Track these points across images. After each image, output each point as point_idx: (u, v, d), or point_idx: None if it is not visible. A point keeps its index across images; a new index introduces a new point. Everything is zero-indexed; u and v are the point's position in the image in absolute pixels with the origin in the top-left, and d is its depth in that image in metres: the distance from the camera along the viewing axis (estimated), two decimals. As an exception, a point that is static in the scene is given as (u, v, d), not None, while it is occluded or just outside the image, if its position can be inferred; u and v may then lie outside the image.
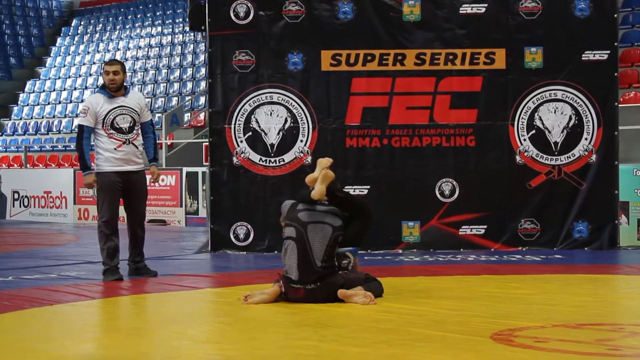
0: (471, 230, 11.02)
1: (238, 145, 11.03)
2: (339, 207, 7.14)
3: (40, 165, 25.12)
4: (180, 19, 30.59)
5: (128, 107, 8.62)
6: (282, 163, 11.05)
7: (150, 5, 33.47)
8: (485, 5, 11.06)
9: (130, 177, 8.61)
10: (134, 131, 8.63)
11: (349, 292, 6.85)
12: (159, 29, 31.25)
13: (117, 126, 8.54)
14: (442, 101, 11.04)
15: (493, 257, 10.38)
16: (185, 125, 22.44)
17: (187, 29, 27.93)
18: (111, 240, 8.52)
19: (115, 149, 8.53)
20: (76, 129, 8.96)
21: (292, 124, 11.05)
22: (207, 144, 11.63)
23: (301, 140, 11.04)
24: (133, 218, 8.78)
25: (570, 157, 11.01)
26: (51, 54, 33.35)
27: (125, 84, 8.77)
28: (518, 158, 11.01)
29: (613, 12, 11.14)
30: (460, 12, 11.06)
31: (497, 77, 11.03)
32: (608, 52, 11.01)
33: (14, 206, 19.29)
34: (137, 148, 8.67)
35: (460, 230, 11.02)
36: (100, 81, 29.31)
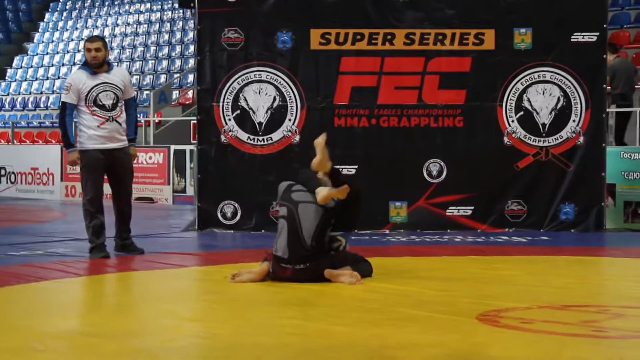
0: (458, 211, 11.03)
1: (226, 124, 11.01)
2: (337, 185, 7.07)
3: (27, 142, 25.05)
4: (169, -4, 30.46)
5: (111, 84, 8.52)
6: (270, 142, 11.03)
7: (139, -18, 33.31)
8: (475, -15, 11.05)
9: (114, 154, 8.54)
10: (117, 108, 8.54)
11: (336, 271, 6.85)
12: (148, 5, 31.11)
13: (100, 103, 8.45)
14: (430, 81, 11.02)
15: (480, 238, 10.41)
16: (173, 103, 22.40)
17: (176, 5, 27.81)
18: (96, 218, 8.47)
19: (98, 126, 8.45)
20: None
21: (280, 103, 11.02)
22: (195, 122, 11.60)
23: (289, 119, 11.02)
24: (119, 195, 8.73)
25: (558, 139, 11.02)
26: (39, 30, 33.19)
27: (108, 60, 8.70)
28: (506, 139, 11.02)
29: (603, -6, 11.13)
30: (450, -8, 11.04)
31: (486, 58, 11.02)
32: (597, 34, 11.00)
33: (0, 182, 19.23)
34: (121, 125, 8.59)
35: (448, 211, 11.03)
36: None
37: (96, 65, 8.50)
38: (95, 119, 8.45)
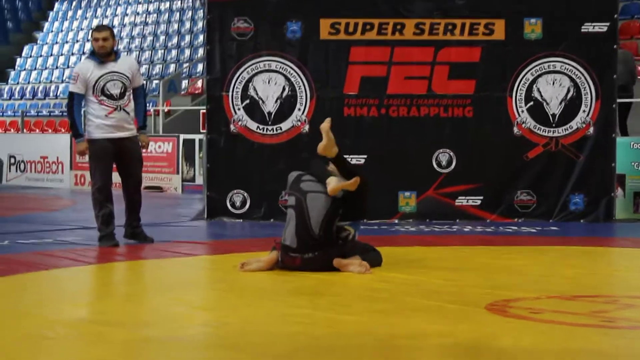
0: (467, 201, 11.02)
1: (235, 113, 11.01)
2: (343, 174, 7.07)
3: (37, 130, 25.08)
4: (179, -15, 30.44)
5: (119, 73, 8.50)
6: (279, 131, 11.03)
7: (149, -29, 33.29)
8: (486, -25, 11.02)
9: (122, 143, 8.53)
10: (125, 97, 8.52)
11: (345, 261, 6.86)
12: (158, -6, 31.08)
13: (108, 92, 8.43)
14: (440, 71, 11.00)
15: (489, 228, 10.40)
16: (182, 93, 22.40)
17: (185, -5, 27.80)
18: (106, 207, 8.47)
19: (106, 115, 8.43)
20: None
21: (290, 93, 11.02)
22: (205, 111, 11.61)
23: (299, 109, 11.01)
24: (129, 183, 8.72)
25: (567, 130, 11.00)
26: (49, 19, 33.20)
27: (116, 49, 8.68)
28: (516, 129, 11.00)
29: (613, -16, 11.09)
30: (460, -18, 11.01)
31: (496, 48, 10.99)
32: (608, 24, 10.96)
33: (10, 171, 19.28)
34: (129, 114, 8.58)
35: (457, 201, 11.02)
36: (98, 47, 29.23)
37: (104, 54, 8.48)
38: (103, 109, 8.43)
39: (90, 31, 8.58)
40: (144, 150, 8.91)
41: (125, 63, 8.67)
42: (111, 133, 8.46)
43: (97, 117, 8.44)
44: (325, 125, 7.10)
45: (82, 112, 8.62)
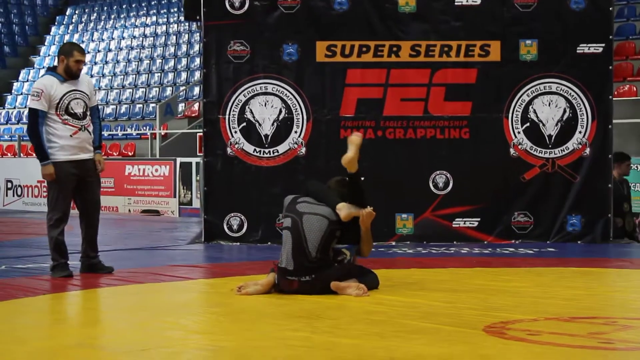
0: (465, 223, 11.02)
1: (232, 136, 11.02)
2: (353, 195, 7.06)
3: (34, 155, 25.04)
4: (175, 9, 30.54)
5: (81, 92, 8.09)
6: (276, 154, 11.04)
7: (145, -5, 33.40)
8: (481, -3, 11.07)
9: (85, 164, 8.12)
10: (87, 117, 8.12)
11: (342, 284, 6.84)
12: (154, 18, 31.19)
13: (72, 111, 8.00)
14: (436, 93, 11.03)
15: (486, 249, 10.39)
16: (179, 116, 22.43)
17: (181, 18, 27.85)
18: (62, 235, 8.14)
19: (70, 136, 7.99)
20: None
21: (286, 115, 11.04)
22: (201, 134, 11.62)
23: (295, 131, 11.03)
24: (90, 206, 8.28)
25: (564, 150, 11.01)
26: (45, 43, 33.27)
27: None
28: (512, 151, 11.01)
29: (608, 5, 11.13)
30: (456, 3, 11.06)
31: (492, 70, 11.03)
32: (603, 45, 11.01)
33: (7, 195, 19.27)
34: (91, 135, 8.17)
35: (454, 222, 11.03)
36: (96, 70, 29.29)
37: (75, 75, 8.09)
38: (67, 128, 7.99)
39: (71, 50, 8.07)
40: (100, 170, 8.36)
41: (84, 82, 8.24)
42: (75, 155, 8.05)
43: (61, 138, 7.99)
44: (357, 139, 7.09)
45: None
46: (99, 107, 8.39)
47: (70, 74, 8.06)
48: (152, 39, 29.83)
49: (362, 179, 7.24)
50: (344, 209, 6.91)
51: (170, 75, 27.29)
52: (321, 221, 6.92)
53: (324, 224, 6.91)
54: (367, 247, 7.22)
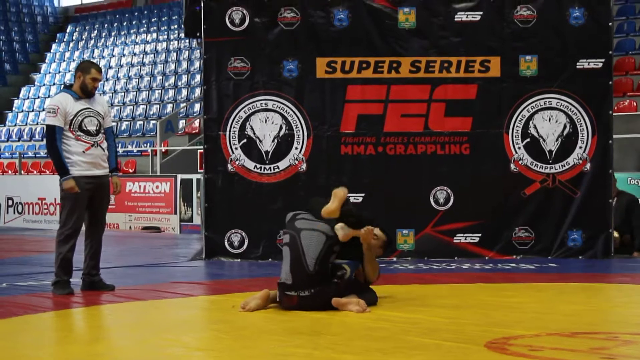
0: (465, 239, 11.02)
1: (233, 152, 11.03)
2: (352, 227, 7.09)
3: (35, 172, 25.09)
4: (175, 26, 30.62)
5: (94, 110, 8.21)
6: (276, 170, 11.04)
7: (145, 12, 33.51)
8: (481, 13, 11.08)
9: (99, 180, 8.21)
10: (100, 134, 8.22)
11: (343, 300, 6.85)
12: (154, 35, 31.27)
13: (85, 128, 8.11)
14: (437, 109, 11.04)
15: (487, 265, 10.38)
16: (180, 132, 22.45)
17: (182, 35, 27.92)
18: (70, 252, 8.16)
19: (83, 152, 8.10)
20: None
21: (287, 131, 11.05)
22: (202, 151, 11.62)
23: (296, 148, 11.03)
24: (97, 226, 8.35)
25: (564, 166, 11.02)
26: (46, 60, 33.35)
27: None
28: (512, 166, 11.02)
29: (607, 21, 11.15)
30: (456, 19, 11.08)
31: (492, 85, 11.04)
32: (602, 60, 11.02)
33: (8, 213, 19.27)
34: (104, 151, 8.26)
35: (455, 238, 11.02)
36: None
37: (90, 94, 8.23)
38: (80, 144, 8.11)
39: (89, 68, 8.17)
40: (117, 192, 8.51)
41: (99, 102, 8.37)
42: (88, 170, 8.13)
43: (74, 154, 8.08)
44: (341, 192, 7.03)
45: None
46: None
47: (85, 92, 8.21)
48: (152, 56, 29.90)
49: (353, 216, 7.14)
50: (341, 230, 6.94)
51: (171, 92, 27.34)
52: (319, 237, 6.94)
53: (321, 239, 6.93)
54: (371, 268, 7.23)
